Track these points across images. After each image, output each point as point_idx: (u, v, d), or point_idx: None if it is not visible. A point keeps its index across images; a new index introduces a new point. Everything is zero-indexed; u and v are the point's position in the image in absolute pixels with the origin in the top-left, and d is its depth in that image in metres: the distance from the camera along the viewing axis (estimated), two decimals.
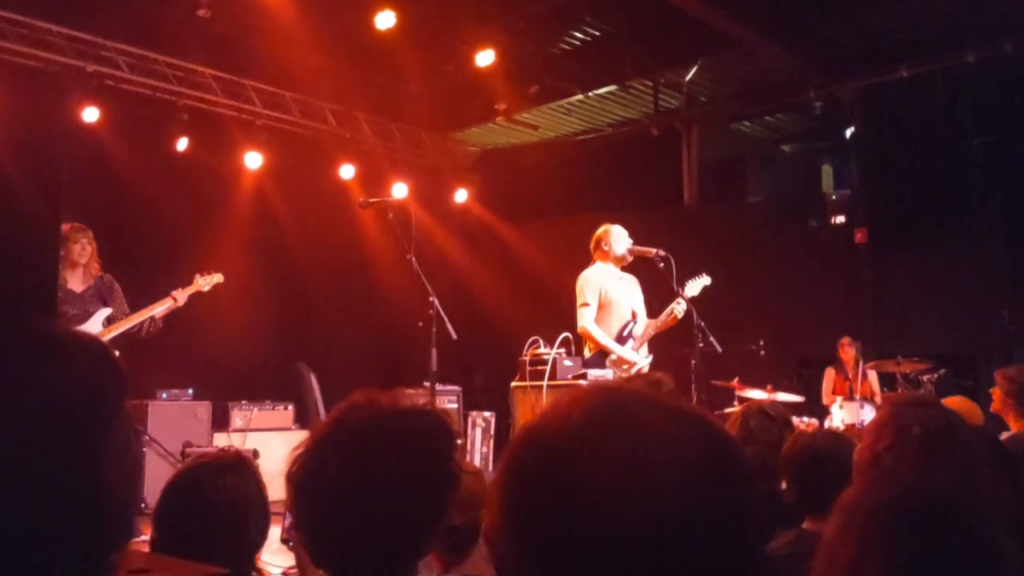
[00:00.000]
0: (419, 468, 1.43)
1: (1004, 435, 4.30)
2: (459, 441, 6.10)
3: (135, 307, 6.06)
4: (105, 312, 5.92)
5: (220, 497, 1.92)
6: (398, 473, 1.41)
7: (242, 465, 2.05)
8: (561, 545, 0.77)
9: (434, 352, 5.30)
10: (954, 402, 4.35)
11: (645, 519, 0.75)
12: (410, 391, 7.51)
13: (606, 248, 5.98)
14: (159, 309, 5.98)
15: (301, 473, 1.44)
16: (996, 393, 5.18)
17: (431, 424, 1.51)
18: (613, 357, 5.79)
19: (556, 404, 0.85)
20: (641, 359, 5.90)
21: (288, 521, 2.07)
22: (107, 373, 1.01)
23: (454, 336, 5.35)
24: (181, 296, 6.05)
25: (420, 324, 5.35)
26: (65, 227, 5.92)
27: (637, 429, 0.80)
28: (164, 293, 6.21)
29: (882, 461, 1.72)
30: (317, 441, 1.46)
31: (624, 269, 6.08)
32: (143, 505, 5.00)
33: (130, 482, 1.03)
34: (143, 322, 5.95)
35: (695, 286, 5.99)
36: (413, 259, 5.34)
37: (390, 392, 1.52)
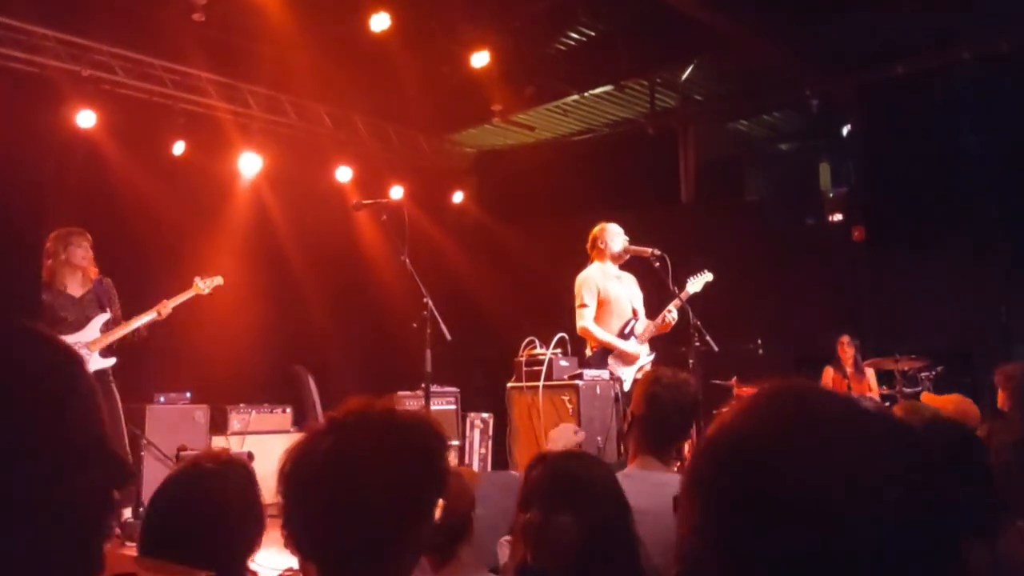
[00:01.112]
0: (407, 462, 1.44)
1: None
2: (455, 442, 6.09)
3: (130, 309, 6.06)
4: (103, 317, 5.91)
5: (208, 501, 1.89)
6: (385, 464, 1.41)
7: (234, 468, 2.01)
8: (772, 556, 0.75)
9: (428, 353, 5.29)
10: (951, 400, 4.37)
11: (856, 522, 0.74)
12: (407, 393, 7.54)
13: (602, 246, 5.99)
14: (144, 320, 5.96)
15: (291, 464, 1.47)
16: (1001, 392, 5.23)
17: (423, 423, 1.53)
18: (624, 348, 5.79)
19: (744, 408, 0.84)
20: (644, 355, 5.91)
21: None
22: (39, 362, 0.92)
23: (448, 337, 5.34)
24: (165, 309, 6.02)
25: (414, 325, 5.34)
26: (64, 231, 5.92)
27: (838, 430, 0.79)
28: (161, 296, 6.21)
29: None
30: (309, 434, 1.49)
31: (622, 268, 6.09)
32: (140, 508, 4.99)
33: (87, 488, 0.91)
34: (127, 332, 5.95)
35: (697, 282, 6.02)
36: (407, 260, 5.33)
37: (386, 398, 1.55)
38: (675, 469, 2.96)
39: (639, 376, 5.83)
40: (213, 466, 1.98)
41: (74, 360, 0.98)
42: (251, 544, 1.94)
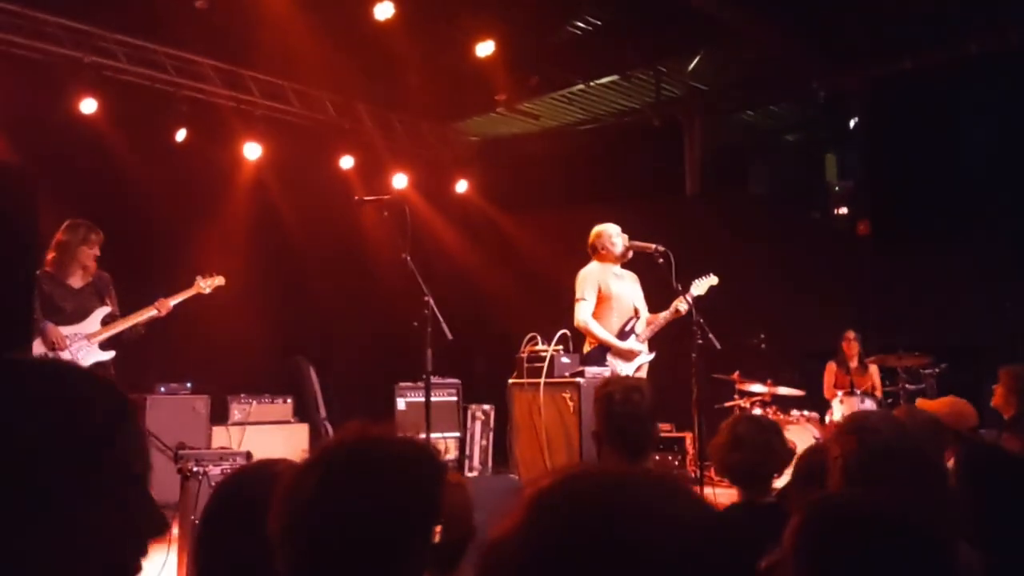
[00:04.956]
0: (400, 496, 1.40)
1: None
2: (456, 434, 6.09)
3: (128, 300, 6.03)
4: (104, 310, 5.88)
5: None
6: (377, 498, 1.38)
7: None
8: None
9: (429, 352, 5.27)
10: (946, 403, 4.30)
11: None
12: (408, 384, 7.54)
13: (604, 251, 5.93)
14: (143, 317, 5.93)
15: (285, 489, 1.42)
16: (999, 389, 5.17)
17: (419, 448, 1.50)
18: (621, 347, 5.74)
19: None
20: (644, 353, 5.87)
21: None
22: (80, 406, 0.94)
23: (449, 336, 5.31)
24: (165, 306, 5.99)
25: (415, 324, 5.31)
26: (79, 225, 5.86)
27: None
28: (160, 287, 6.19)
29: None
30: (305, 461, 1.45)
31: (623, 266, 6.03)
32: None
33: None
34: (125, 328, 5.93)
35: (701, 286, 5.95)
36: (408, 259, 5.29)
37: (386, 424, 1.53)
38: None
39: (640, 375, 5.80)
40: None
41: (126, 399, 1.02)
42: None
